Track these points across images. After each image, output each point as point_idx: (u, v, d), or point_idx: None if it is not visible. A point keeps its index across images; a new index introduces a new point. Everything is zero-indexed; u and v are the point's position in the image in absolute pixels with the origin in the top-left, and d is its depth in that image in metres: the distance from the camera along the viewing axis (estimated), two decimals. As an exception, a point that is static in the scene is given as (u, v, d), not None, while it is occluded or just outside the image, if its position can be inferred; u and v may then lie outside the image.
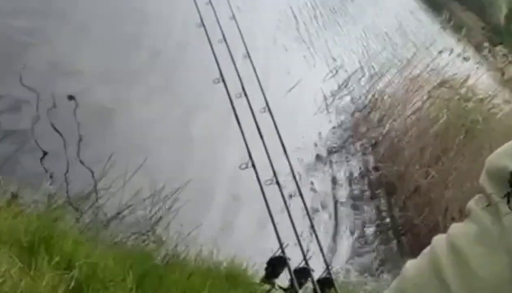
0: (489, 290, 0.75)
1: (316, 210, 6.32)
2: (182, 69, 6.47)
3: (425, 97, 8.85)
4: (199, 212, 4.70)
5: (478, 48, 11.04)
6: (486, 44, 10.70)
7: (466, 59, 10.09)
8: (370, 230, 7.03)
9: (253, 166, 3.91)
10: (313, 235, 4.60)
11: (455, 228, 0.83)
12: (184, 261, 4.11)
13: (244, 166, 3.91)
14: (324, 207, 6.60)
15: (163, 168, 4.71)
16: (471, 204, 0.84)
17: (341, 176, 7.43)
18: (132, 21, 6.63)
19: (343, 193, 7.15)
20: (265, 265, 4.10)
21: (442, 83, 9.00)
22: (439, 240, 0.84)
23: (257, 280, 4.32)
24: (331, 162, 7.48)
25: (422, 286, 0.81)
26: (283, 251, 3.94)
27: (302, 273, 4.00)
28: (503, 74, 10.14)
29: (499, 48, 10.45)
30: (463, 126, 8.35)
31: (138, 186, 4.08)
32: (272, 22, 9.95)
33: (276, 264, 4.05)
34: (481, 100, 9.22)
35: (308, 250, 4.29)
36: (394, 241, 7.19)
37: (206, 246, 4.29)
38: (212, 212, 4.98)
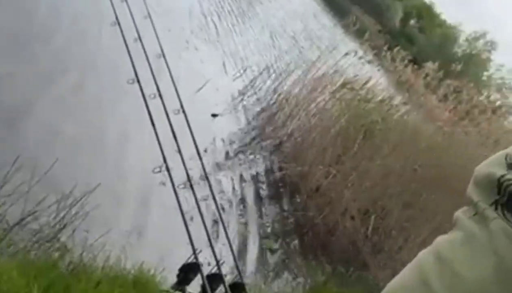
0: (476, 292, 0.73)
1: (225, 211, 6.28)
2: (96, 69, 6.22)
3: (327, 97, 9.04)
4: (108, 217, 4.50)
5: (378, 51, 11.45)
6: (385, 47, 11.08)
7: (368, 62, 10.41)
8: (275, 230, 7.07)
9: (167, 169, 3.79)
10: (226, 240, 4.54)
11: (441, 238, 0.83)
12: (90, 268, 3.94)
13: (157, 169, 3.77)
14: (233, 207, 6.58)
15: (72, 172, 4.47)
16: (458, 213, 0.83)
17: (248, 175, 7.44)
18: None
19: (250, 193, 7.15)
20: (176, 272, 4.00)
21: (344, 85, 9.21)
22: (424, 252, 0.83)
23: (167, 287, 4.21)
24: (239, 161, 7.46)
25: None
26: (196, 257, 3.86)
27: (215, 279, 3.94)
28: (400, 76, 10.54)
29: (396, 50, 10.84)
30: (363, 127, 8.60)
31: (44, 192, 3.84)
32: (185, 24, 9.90)
33: (188, 270, 3.96)
34: (381, 101, 9.55)
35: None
36: (296, 241, 7.26)
37: (114, 252, 4.13)
38: (122, 218, 4.79)
